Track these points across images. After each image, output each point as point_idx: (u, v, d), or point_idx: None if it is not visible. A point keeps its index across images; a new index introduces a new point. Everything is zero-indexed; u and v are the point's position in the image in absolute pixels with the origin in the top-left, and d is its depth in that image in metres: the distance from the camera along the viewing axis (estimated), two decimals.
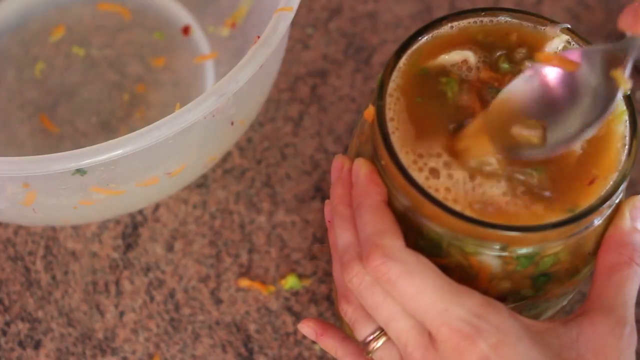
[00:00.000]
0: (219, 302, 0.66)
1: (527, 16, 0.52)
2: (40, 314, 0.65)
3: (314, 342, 0.64)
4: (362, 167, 0.50)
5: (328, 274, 0.67)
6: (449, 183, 0.48)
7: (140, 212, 0.69)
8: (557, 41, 0.51)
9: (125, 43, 0.74)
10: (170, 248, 0.68)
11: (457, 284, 0.47)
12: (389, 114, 0.50)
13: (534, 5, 0.78)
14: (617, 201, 0.49)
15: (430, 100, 0.50)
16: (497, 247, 0.48)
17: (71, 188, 0.56)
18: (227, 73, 0.54)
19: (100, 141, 0.51)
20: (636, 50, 0.47)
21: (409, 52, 0.51)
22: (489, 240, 0.47)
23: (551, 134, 0.49)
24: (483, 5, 0.58)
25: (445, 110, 0.50)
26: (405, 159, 0.49)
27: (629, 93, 0.50)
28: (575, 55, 0.49)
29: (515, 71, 0.51)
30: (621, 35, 0.49)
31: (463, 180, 0.48)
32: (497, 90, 0.50)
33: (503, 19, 0.52)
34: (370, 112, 0.51)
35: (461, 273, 0.49)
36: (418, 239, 0.49)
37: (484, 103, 0.50)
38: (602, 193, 0.48)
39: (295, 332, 0.65)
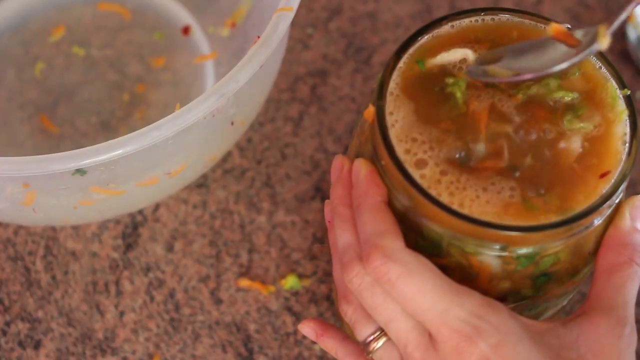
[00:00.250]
0: (219, 302, 0.66)
1: (527, 16, 0.52)
2: (40, 314, 0.65)
3: (314, 342, 0.64)
4: (362, 167, 0.50)
5: (328, 274, 0.67)
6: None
7: (140, 212, 0.69)
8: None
9: (125, 43, 0.74)
10: (170, 248, 0.68)
11: (457, 284, 0.47)
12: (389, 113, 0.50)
13: (534, 5, 0.78)
14: (617, 201, 0.49)
15: (431, 100, 0.50)
16: (497, 247, 0.48)
17: (71, 188, 0.56)
18: (227, 73, 0.54)
19: (100, 141, 0.51)
20: (627, 11, 0.47)
21: (409, 52, 0.51)
22: (489, 240, 0.47)
23: (525, 65, 0.49)
24: (483, 5, 0.58)
25: (446, 110, 0.50)
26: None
27: (628, 93, 0.50)
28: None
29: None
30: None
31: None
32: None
33: (504, 16, 0.52)
34: (370, 112, 0.51)
35: (461, 273, 0.49)
36: (418, 239, 0.49)
37: (488, 104, 0.50)
38: (602, 193, 0.48)
39: (295, 332, 0.65)
